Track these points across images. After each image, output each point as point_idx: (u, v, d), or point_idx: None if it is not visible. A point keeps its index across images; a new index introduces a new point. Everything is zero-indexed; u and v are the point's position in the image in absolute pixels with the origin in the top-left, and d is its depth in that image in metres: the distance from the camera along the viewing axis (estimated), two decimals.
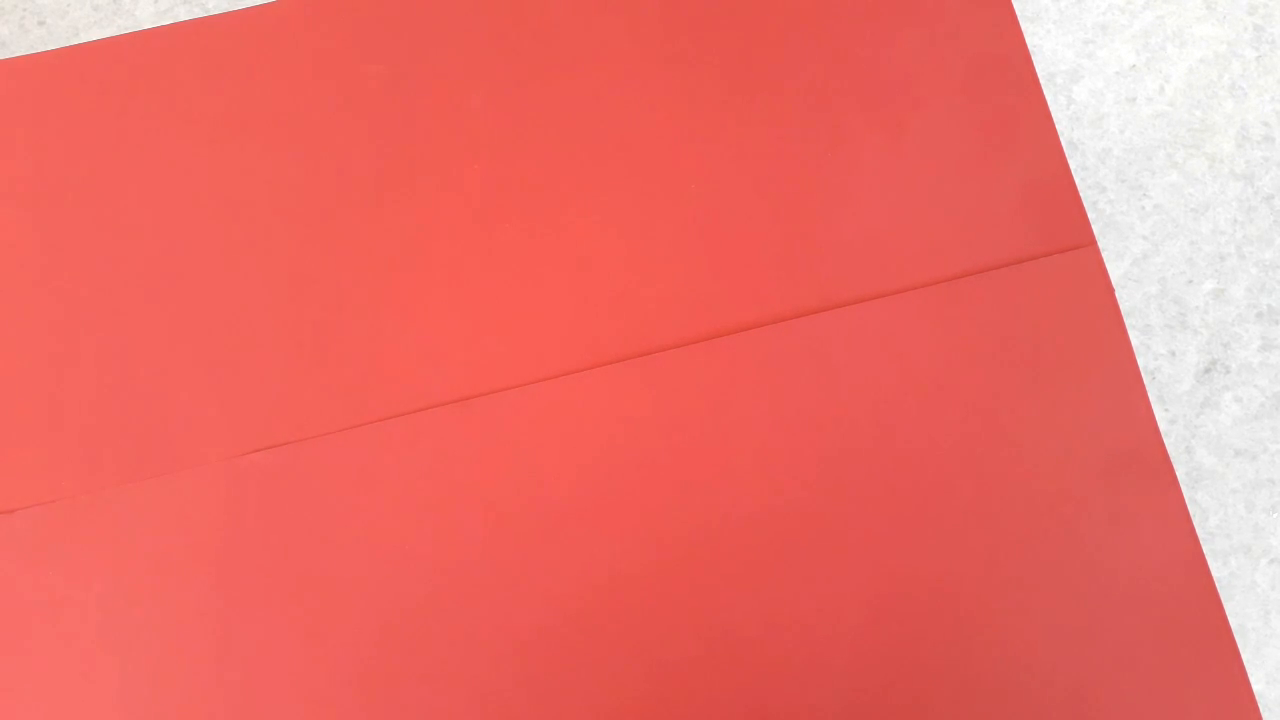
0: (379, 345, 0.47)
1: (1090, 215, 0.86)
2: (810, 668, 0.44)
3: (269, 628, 0.44)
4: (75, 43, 0.64)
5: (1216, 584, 0.46)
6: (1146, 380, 0.82)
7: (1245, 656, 0.80)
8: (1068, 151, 0.88)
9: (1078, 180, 0.87)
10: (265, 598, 0.44)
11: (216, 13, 0.53)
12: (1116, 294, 0.69)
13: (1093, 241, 0.49)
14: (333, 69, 0.51)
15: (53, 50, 0.51)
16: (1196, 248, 0.86)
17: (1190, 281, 0.86)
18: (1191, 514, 0.58)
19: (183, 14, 0.92)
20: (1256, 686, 0.79)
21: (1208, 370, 0.84)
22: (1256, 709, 0.44)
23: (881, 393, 0.47)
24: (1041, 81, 0.64)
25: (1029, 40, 0.90)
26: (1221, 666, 0.45)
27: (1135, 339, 0.85)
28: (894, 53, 0.51)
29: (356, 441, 0.46)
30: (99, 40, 0.51)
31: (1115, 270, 0.86)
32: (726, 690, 0.44)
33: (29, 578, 0.45)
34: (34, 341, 0.47)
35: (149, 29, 0.52)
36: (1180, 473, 0.83)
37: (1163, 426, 0.83)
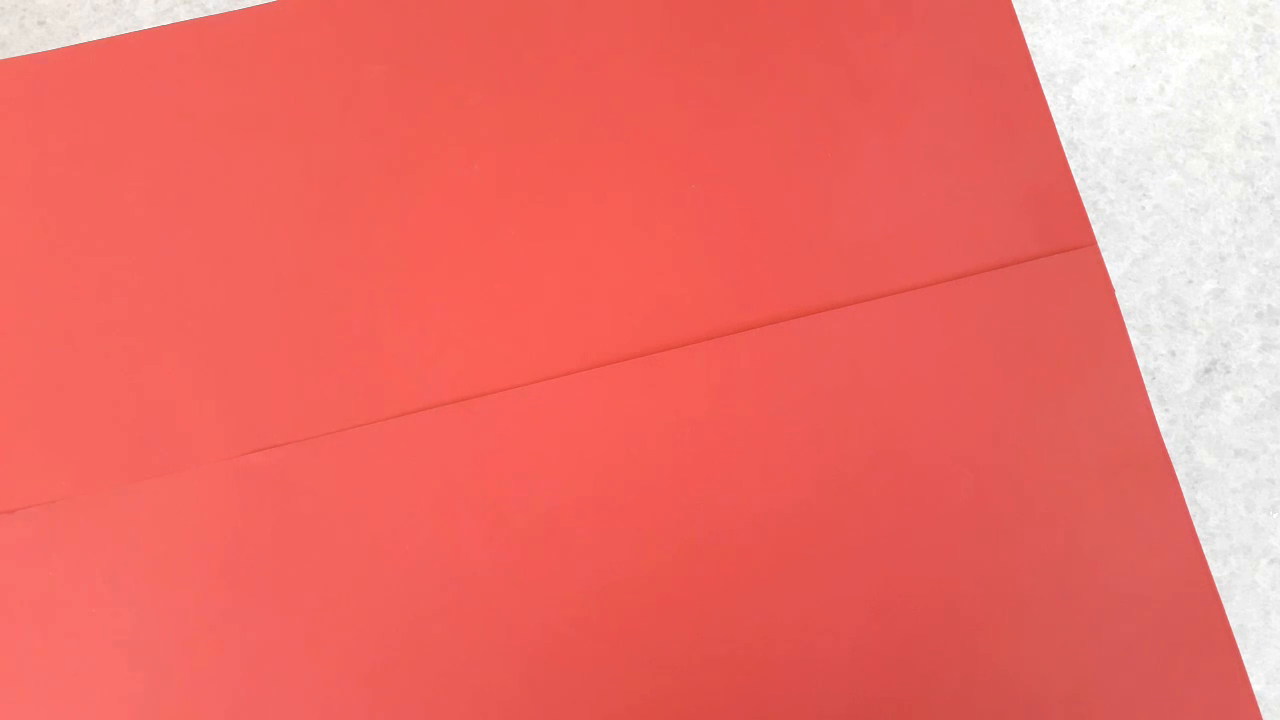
0: (379, 345, 0.47)
1: (1090, 215, 0.86)
2: (811, 667, 0.44)
3: (270, 628, 0.44)
4: (75, 43, 0.64)
5: (1216, 584, 0.46)
6: (1146, 380, 0.82)
7: (1245, 656, 0.79)
8: (1068, 151, 0.88)
9: (1078, 180, 0.87)
10: (266, 598, 0.44)
11: (216, 13, 0.53)
12: (1116, 294, 0.69)
13: (1093, 241, 0.49)
14: (333, 69, 0.51)
15: (53, 50, 0.51)
16: (1196, 248, 0.86)
17: (1190, 281, 0.86)
18: (1191, 514, 0.58)
19: (183, 14, 0.92)
20: (1256, 686, 0.79)
21: (1208, 370, 0.84)
22: (1256, 709, 0.44)
23: (881, 393, 0.47)
24: (1041, 81, 0.64)
25: (1029, 40, 0.90)
26: (1221, 666, 0.45)
27: (1135, 339, 0.84)
28: (894, 53, 0.51)
29: (356, 441, 0.46)
30: (99, 40, 0.51)
31: (1115, 270, 0.86)
32: (727, 690, 0.44)
33: (29, 578, 0.45)
34: (33, 341, 0.47)
35: (149, 29, 0.52)
36: (1180, 473, 0.83)
37: (1163, 426, 0.83)
